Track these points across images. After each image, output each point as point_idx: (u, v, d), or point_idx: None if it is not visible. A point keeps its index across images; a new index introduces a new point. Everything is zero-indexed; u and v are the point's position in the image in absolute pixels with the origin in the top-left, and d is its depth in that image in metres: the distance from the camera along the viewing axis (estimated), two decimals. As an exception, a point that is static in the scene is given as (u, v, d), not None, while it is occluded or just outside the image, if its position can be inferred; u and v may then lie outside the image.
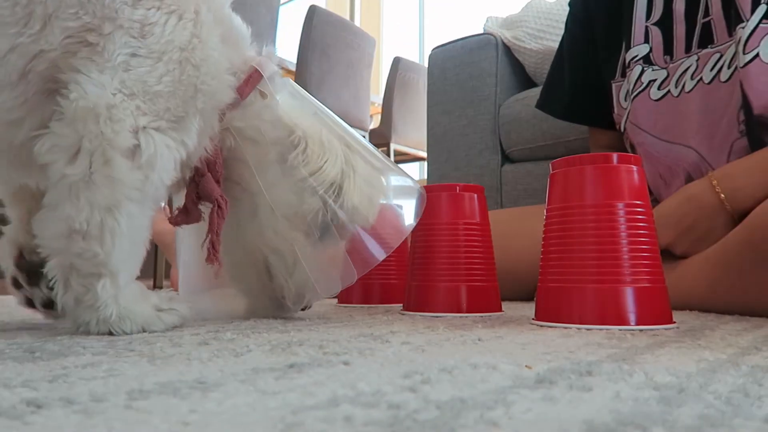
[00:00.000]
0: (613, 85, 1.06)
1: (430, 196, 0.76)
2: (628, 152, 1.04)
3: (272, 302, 0.67)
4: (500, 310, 0.76)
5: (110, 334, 0.50)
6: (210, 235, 0.60)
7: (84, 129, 0.48)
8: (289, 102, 0.65)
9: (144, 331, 0.51)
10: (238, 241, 0.65)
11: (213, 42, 0.55)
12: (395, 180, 0.71)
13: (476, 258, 0.75)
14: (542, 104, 1.21)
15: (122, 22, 0.50)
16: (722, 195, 0.80)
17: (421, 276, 0.76)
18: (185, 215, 0.62)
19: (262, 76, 0.62)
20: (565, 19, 1.19)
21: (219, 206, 0.60)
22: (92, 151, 0.48)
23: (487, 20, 1.71)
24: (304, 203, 0.62)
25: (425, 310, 0.74)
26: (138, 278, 0.55)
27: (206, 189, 0.60)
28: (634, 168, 0.60)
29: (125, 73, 0.50)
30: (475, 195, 0.77)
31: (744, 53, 0.84)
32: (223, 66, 0.57)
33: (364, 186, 0.64)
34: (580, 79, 1.12)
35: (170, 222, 0.63)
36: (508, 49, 1.60)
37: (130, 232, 0.50)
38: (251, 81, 0.61)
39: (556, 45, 1.24)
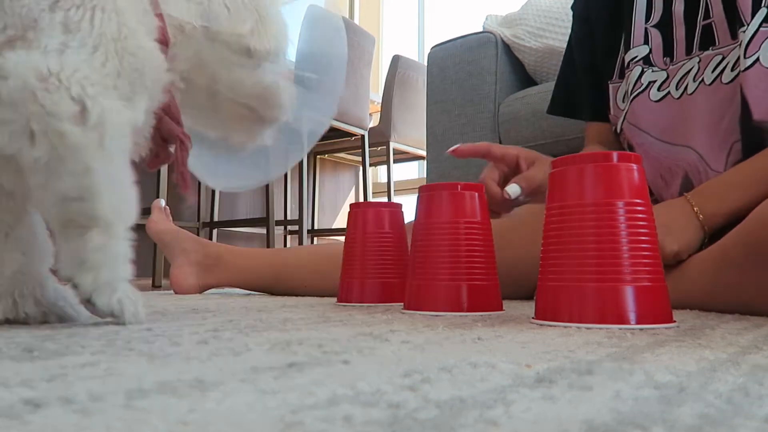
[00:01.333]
0: (610, 86, 1.05)
1: (431, 194, 0.76)
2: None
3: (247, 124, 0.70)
4: (501, 309, 0.76)
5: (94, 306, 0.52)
6: (177, 168, 0.65)
7: (26, 110, 0.48)
8: None
9: (119, 304, 0.53)
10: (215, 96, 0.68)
11: (140, 32, 0.56)
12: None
13: (477, 257, 0.74)
14: (564, 111, 1.18)
15: (44, 26, 0.51)
16: (692, 202, 0.82)
17: (422, 275, 0.75)
18: (156, 157, 0.65)
19: (162, 15, 0.61)
20: (563, 17, 1.18)
21: (182, 142, 0.64)
22: (44, 131, 0.49)
23: (486, 18, 1.71)
24: (259, 81, 0.66)
25: (425, 308, 0.74)
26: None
27: (167, 130, 0.63)
28: (634, 166, 0.60)
29: (62, 56, 0.51)
30: (476, 194, 0.77)
31: (745, 57, 0.84)
32: (157, 57, 0.58)
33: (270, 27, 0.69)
34: (595, 79, 1.11)
35: (148, 167, 0.65)
36: (507, 48, 1.60)
37: (112, 188, 0.52)
38: (163, 28, 0.61)
39: (556, 43, 1.23)
